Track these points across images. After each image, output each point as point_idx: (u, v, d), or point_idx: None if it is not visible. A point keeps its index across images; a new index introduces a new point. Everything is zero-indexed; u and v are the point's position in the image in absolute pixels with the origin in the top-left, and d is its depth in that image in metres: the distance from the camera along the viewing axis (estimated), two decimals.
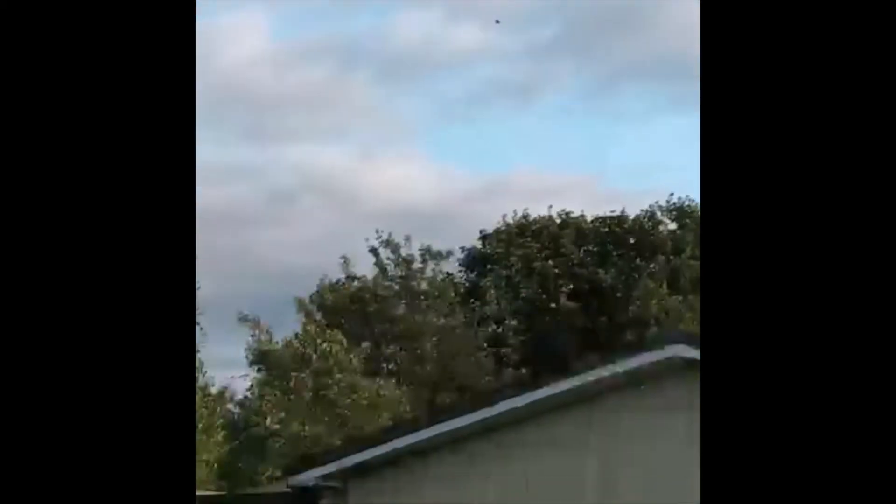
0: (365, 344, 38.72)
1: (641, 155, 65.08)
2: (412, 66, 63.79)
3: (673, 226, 46.99)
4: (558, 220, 47.26)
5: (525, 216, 47.39)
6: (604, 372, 13.81)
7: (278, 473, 29.81)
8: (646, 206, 47.14)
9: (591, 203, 61.90)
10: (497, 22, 52.68)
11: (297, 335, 38.34)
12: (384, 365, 41.85)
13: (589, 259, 46.29)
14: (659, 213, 47.01)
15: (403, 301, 42.44)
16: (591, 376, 13.80)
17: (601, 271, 45.58)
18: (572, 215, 47.36)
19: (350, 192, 61.00)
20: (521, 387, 14.91)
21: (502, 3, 60.19)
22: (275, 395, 36.28)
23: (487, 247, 46.90)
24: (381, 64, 64.70)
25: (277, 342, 38.94)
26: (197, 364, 15.29)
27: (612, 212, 47.19)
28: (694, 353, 12.80)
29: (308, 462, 16.39)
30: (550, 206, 47.71)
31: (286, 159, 63.58)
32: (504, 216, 47.44)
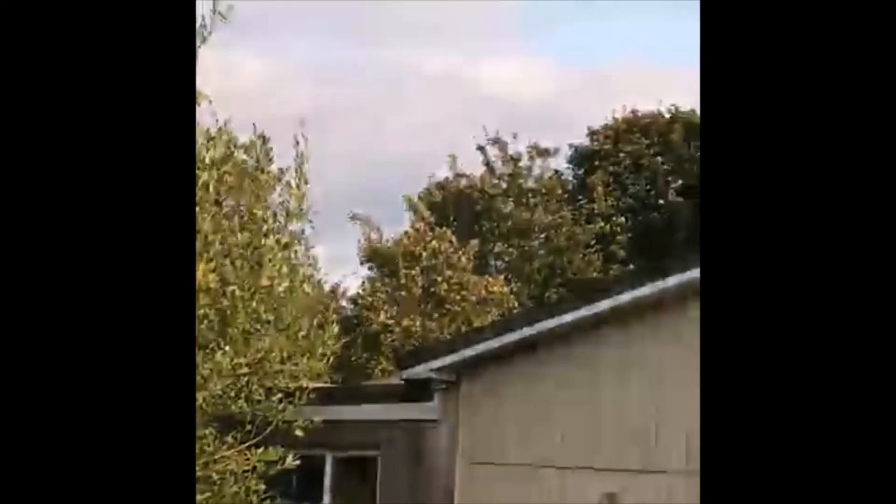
0: (473, 241, 38.99)
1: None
2: None
3: None
4: (667, 116, 46.95)
5: (634, 111, 47.15)
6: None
7: (391, 367, 30.33)
8: None
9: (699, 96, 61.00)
10: None
11: (406, 233, 38.72)
12: (493, 262, 42.15)
13: (699, 155, 46.00)
14: None
15: (511, 198, 42.59)
16: (694, 273, 13.85)
17: None
18: (682, 110, 47.01)
19: (457, 87, 60.98)
20: (631, 283, 14.98)
21: None
22: (386, 291, 36.78)
23: (595, 143, 46.76)
24: None
25: (388, 240, 39.37)
26: (311, 261, 15.58)
27: None
28: None
29: (420, 356, 16.70)
30: (660, 101, 47.46)
31: (393, 56, 63.62)
32: (613, 111, 47.29)
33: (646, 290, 14.32)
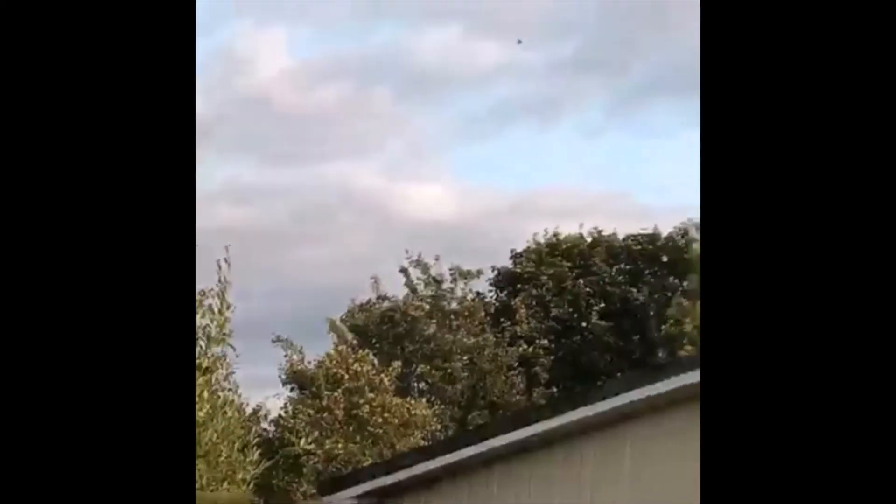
0: (396, 363, 38.84)
1: (670, 169, 65.06)
2: (434, 83, 64.04)
3: None
4: (589, 239, 47.25)
5: (556, 234, 47.41)
6: (636, 394, 13.84)
7: (312, 491, 29.93)
8: (678, 224, 47.09)
9: (619, 220, 61.72)
10: (519, 42, 52.68)
11: (328, 355, 38.53)
12: (415, 384, 41.98)
13: (621, 278, 46.28)
14: (692, 231, 46.90)
15: (434, 321, 42.55)
16: (622, 398, 13.83)
17: (633, 290, 45.57)
18: (604, 233, 47.35)
19: (378, 210, 61.20)
20: (553, 407, 14.94)
21: (522, 19, 60.39)
22: (308, 414, 36.47)
23: (518, 266, 46.93)
24: (403, 81, 64.97)
25: (310, 362, 39.14)
26: (232, 385, 15.42)
27: (644, 229, 47.15)
28: None
29: (342, 482, 16.49)
30: (581, 225, 47.80)
31: (312, 177, 63.83)
32: (534, 235, 47.54)
33: (571, 416, 14.24)
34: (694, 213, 47.34)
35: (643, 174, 64.05)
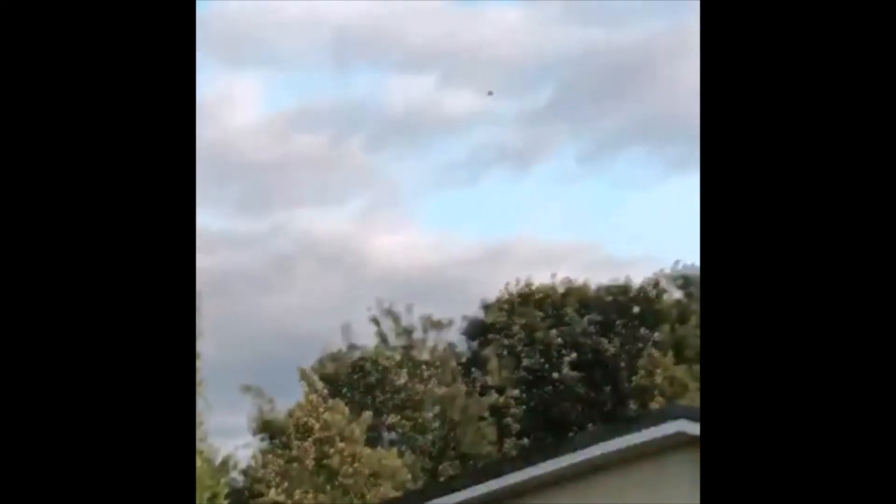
0: (366, 413, 38.71)
1: (642, 220, 65.27)
2: (408, 132, 64.20)
3: (678, 294, 46.94)
4: (561, 289, 47.26)
5: (528, 284, 47.40)
6: (607, 446, 13.82)
7: None
8: (650, 274, 47.21)
9: (591, 269, 61.74)
10: (490, 94, 52.90)
11: (299, 404, 38.38)
12: (386, 434, 41.82)
13: (592, 328, 46.27)
14: (664, 282, 47.02)
15: (405, 370, 42.46)
16: (593, 450, 13.81)
17: (605, 340, 45.56)
18: (575, 284, 47.38)
19: (350, 258, 61.16)
20: (524, 458, 14.89)
21: (496, 68, 60.65)
22: (278, 463, 36.27)
23: (489, 316, 46.89)
24: (377, 130, 65.16)
25: (280, 412, 38.97)
26: (201, 434, 15.29)
27: (616, 280, 47.24)
28: (697, 429, 12.82)
29: None
30: (554, 275, 47.80)
31: (285, 226, 63.79)
32: (507, 284, 47.50)
33: (542, 468, 14.21)
34: (665, 264, 47.54)
35: (614, 224, 64.29)
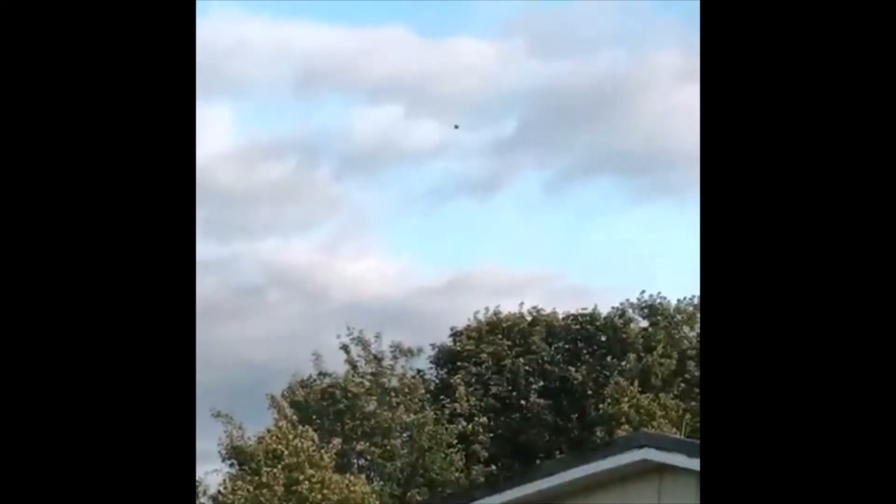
0: (336, 440, 38.85)
1: (606, 249, 65.65)
2: (373, 162, 64.53)
3: (644, 323, 47.20)
4: (529, 318, 47.49)
5: (496, 313, 47.63)
6: (574, 473, 14.04)
7: None
8: (615, 303, 47.47)
9: (557, 298, 61.99)
10: (456, 127, 53.20)
11: (269, 431, 38.47)
12: (355, 461, 41.95)
13: (560, 357, 46.53)
14: (630, 311, 47.30)
15: (374, 397, 42.58)
16: (560, 477, 14.03)
17: (572, 369, 45.81)
18: (543, 312, 47.59)
19: (316, 287, 61.30)
20: (492, 485, 15.10)
21: (461, 98, 61.06)
22: (247, 489, 36.36)
23: (457, 344, 47.08)
24: (343, 159, 65.47)
25: (250, 438, 39.07)
26: None
27: (584, 309, 47.45)
28: (662, 457, 13.10)
29: None
30: (521, 304, 48.05)
31: (251, 254, 63.86)
32: (476, 313, 47.74)
33: (509, 495, 14.41)
34: (628, 293, 47.81)
35: (578, 253, 64.67)
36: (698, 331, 40.07)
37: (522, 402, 45.64)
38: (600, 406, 42.97)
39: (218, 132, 66.13)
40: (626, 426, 39.75)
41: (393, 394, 42.63)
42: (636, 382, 42.80)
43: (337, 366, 43.83)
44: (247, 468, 37.70)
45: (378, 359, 43.65)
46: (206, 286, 62.73)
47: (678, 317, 46.57)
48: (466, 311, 48.38)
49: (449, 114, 60.45)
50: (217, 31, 60.28)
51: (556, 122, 63.34)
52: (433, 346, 47.14)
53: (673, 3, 59.90)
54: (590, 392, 44.98)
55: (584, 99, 61.83)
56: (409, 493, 40.19)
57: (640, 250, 63.85)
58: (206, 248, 64.14)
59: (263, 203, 64.04)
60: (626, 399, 41.82)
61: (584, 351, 46.55)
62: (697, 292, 42.89)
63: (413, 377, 44.05)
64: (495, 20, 67.84)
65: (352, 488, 36.74)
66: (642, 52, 62.63)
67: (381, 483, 40.13)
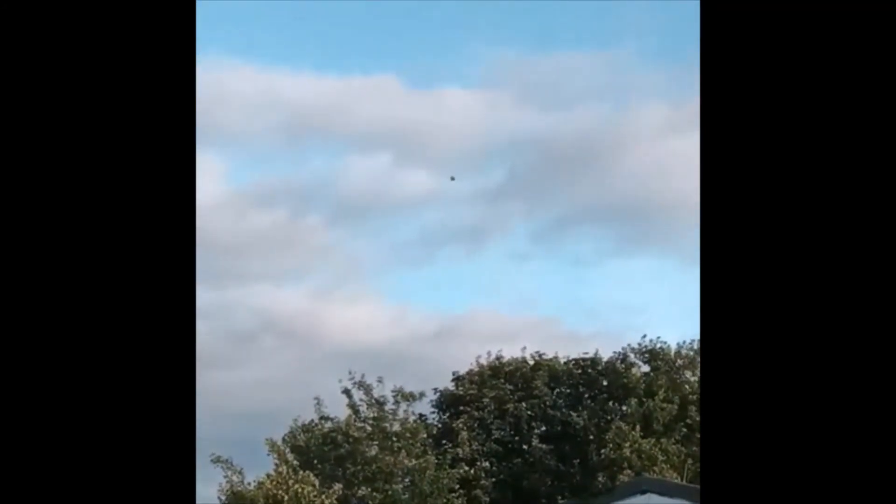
0: (337, 485, 38.69)
1: (597, 296, 65.79)
2: (364, 210, 64.78)
3: (645, 368, 47.15)
4: (531, 362, 47.44)
5: (498, 357, 47.58)
6: None
7: None
8: (609, 348, 47.50)
9: (552, 345, 62.14)
10: (452, 179, 53.31)
11: (269, 476, 38.32)
12: None
13: (562, 401, 46.42)
14: (632, 356, 47.25)
15: (376, 442, 42.44)
16: None
17: (574, 413, 45.69)
18: (545, 357, 47.54)
19: (309, 333, 61.35)
20: None
21: (450, 148, 61.36)
22: None
23: (459, 388, 46.99)
24: (334, 208, 65.69)
25: (250, 483, 38.92)
26: None
27: (585, 353, 47.44)
28: (665, 502, 13.07)
29: None
30: (524, 348, 48.00)
31: (244, 301, 63.85)
32: (478, 357, 47.70)
33: None
34: (622, 338, 47.80)
35: (570, 300, 64.91)
36: (699, 375, 39.97)
37: (525, 446, 45.49)
38: (602, 451, 42.87)
39: (209, 181, 66.33)
40: (628, 471, 39.64)
41: (395, 438, 42.49)
42: (638, 427, 42.69)
43: (338, 410, 43.72)
44: None
45: (380, 403, 43.51)
46: (200, 334, 62.73)
47: (679, 361, 46.48)
48: (459, 357, 48.56)
49: (437, 162, 60.84)
50: (204, 81, 60.29)
51: (544, 172, 63.66)
52: (435, 390, 47.06)
53: (658, 59, 60.67)
54: (591, 437, 44.84)
55: (571, 149, 62.17)
56: None
57: (630, 297, 64.07)
58: (199, 295, 64.21)
59: (256, 251, 64.18)
60: (627, 444, 41.70)
61: (586, 395, 46.44)
62: (691, 336, 43.08)
63: (415, 421, 43.91)
64: (483, 70, 68.26)
65: None
66: (628, 105, 63.02)
67: None
